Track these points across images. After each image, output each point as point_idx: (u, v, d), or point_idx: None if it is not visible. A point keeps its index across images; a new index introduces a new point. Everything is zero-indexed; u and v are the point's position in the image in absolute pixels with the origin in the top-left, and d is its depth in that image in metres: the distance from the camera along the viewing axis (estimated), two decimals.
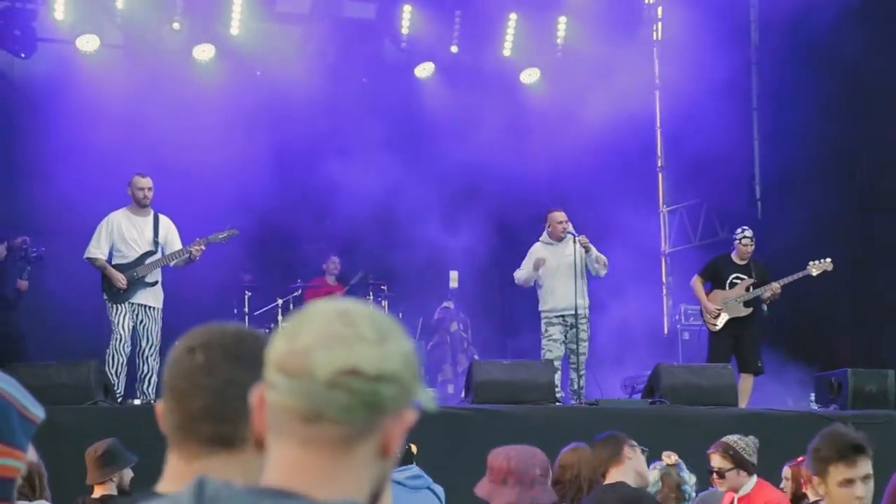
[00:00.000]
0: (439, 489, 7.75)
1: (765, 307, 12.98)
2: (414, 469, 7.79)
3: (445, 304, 14.66)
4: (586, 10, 16.47)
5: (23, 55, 14.46)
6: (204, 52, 15.17)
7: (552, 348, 12.44)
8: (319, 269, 14.91)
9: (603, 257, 12.46)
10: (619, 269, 15.36)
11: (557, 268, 12.47)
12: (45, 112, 14.57)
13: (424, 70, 16.13)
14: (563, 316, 12.46)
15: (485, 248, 15.67)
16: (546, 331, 12.47)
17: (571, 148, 15.73)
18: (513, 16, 16.29)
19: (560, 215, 12.53)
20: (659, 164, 17.83)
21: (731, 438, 7.60)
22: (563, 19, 16.57)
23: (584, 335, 12.37)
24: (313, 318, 1.75)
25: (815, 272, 12.85)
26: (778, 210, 15.96)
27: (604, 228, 15.52)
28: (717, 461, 7.51)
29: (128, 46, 15.09)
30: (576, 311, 12.37)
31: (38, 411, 2.60)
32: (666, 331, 16.88)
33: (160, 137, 14.46)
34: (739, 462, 7.48)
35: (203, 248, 11.59)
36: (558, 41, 16.57)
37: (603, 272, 12.54)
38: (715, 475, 7.50)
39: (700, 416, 11.33)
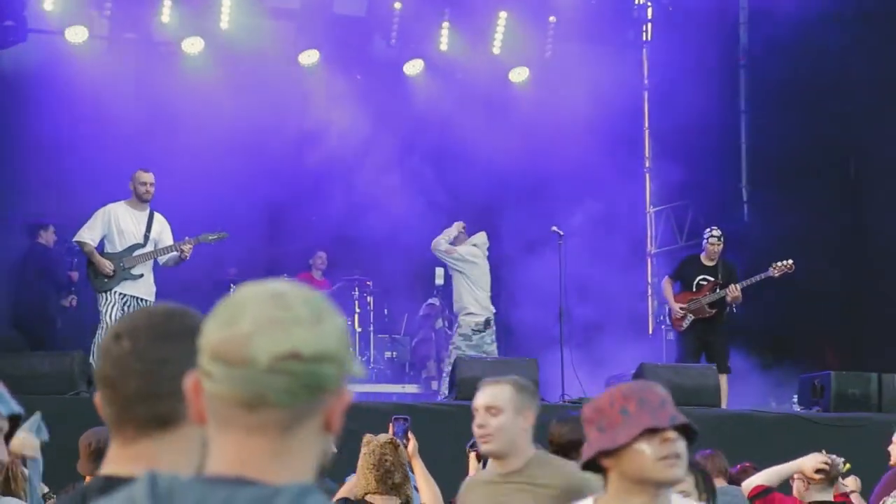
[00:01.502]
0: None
1: (732, 308, 13.00)
2: None
3: (431, 300, 14.67)
4: (576, 11, 16.48)
5: (7, 45, 14.42)
6: (193, 46, 15.15)
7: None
8: (306, 263, 14.91)
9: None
10: (604, 269, 15.41)
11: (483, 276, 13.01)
12: (33, 103, 14.53)
13: (414, 67, 16.13)
14: None
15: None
16: None
17: (559, 147, 15.74)
18: (503, 14, 16.29)
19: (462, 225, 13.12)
20: (646, 165, 17.85)
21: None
22: (552, 19, 16.57)
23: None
24: (247, 303, 1.73)
25: (776, 273, 12.88)
26: (765, 211, 15.99)
27: (590, 227, 15.56)
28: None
29: (116, 38, 15.06)
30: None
31: (3, 407, 2.59)
32: (650, 331, 16.91)
33: (148, 130, 14.44)
34: None
35: (191, 247, 11.59)
36: (548, 41, 16.57)
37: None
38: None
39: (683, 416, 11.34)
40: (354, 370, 1.79)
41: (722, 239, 13.00)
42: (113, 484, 2.16)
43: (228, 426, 1.73)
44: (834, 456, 6.80)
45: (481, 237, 13.16)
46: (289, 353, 1.70)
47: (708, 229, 13.22)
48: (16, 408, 2.67)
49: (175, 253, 11.55)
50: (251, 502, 1.67)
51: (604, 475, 3.34)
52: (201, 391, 1.76)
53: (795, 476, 7.17)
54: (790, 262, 12.83)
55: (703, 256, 13.10)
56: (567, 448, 5.89)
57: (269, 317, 1.71)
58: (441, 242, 13.00)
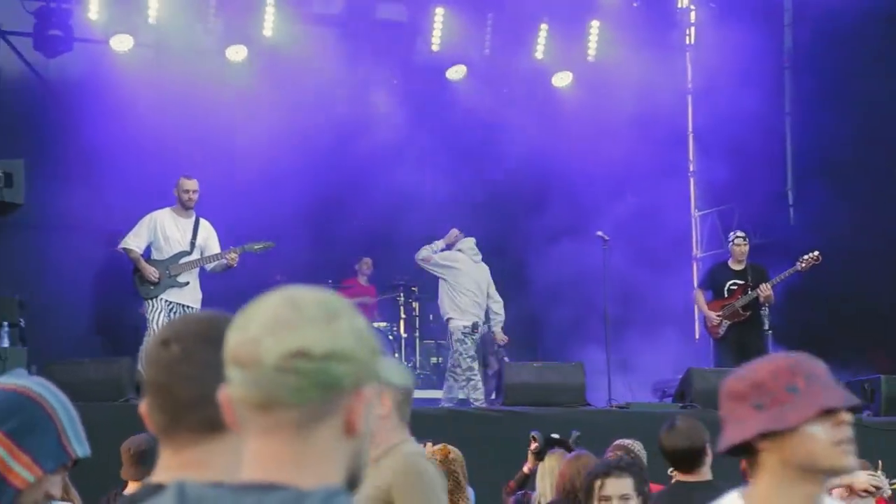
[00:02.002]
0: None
1: (764, 309, 12.96)
2: None
3: None
4: (619, 15, 16.43)
5: (55, 55, 14.53)
6: (237, 54, 15.20)
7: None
8: (352, 269, 14.92)
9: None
10: (650, 273, 15.35)
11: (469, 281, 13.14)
12: (79, 112, 14.63)
13: (457, 72, 16.12)
14: None
15: (514, 250, 15.65)
16: None
17: (603, 151, 15.69)
18: (545, 19, 16.25)
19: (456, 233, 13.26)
20: (691, 169, 17.77)
21: (627, 441, 7.40)
22: (595, 24, 16.54)
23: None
24: (260, 308, 1.76)
25: (803, 266, 12.84)
26: (811, 214, 15.87)
27: (636, 232, 15.51)
28: None
29: (161, 47, 15.13)
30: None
31: (79, 448, 2.60)
32: (697, 336, 16.81)
33: (193, 138, 14.51)
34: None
35: (237, 255, 11.64)
36: (590, 45, 16.53)
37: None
38: None
39: None
40: (385, 371, 1.79)
41: (747, 239, 13.04)
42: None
43: (249, 430, 1.76)
44: (883, 477, 6.74)
45: (468, 242, 13.27)
46: (296, 351, 1.71)
47: (731, 233, 13.32)
48: (87, 451, 2.67)
49: (222, 260, 11.60)
50: None
51: (750, 461, 2.86)
52: (229, 402, 1.78)
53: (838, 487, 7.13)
54: (816, 253, 12.81)
55: (730, 262, 13.15)
56: (681, 458, 5.86)
57: (277, 318, 1.74)
58: (420, 252, 13.16)
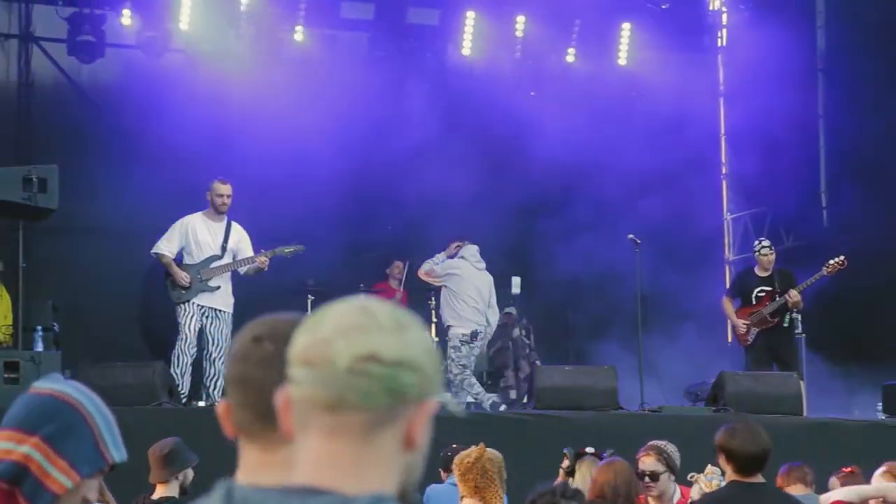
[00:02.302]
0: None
1: (795, 315, 12.90)
2: None
3: (507, 309, 14.62)
4: (650, 18, 16.40)
5: (89, 60, 14.63)
6: (268, 59, 15.23)
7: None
8: (383, 273, 14.94)
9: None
10: (681, 276, 15.30)
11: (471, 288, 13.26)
12: (112, 117, 14.72)
13: (487, 75, 16.11)
14: None
15: (544, 251, 15.65)
16: None
17: (635, 155, 15.66)
18: (577, 22, 16.24)
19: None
20: (723, 171, 17.71)
21: (660, 442, 7.35)
22: (626, 26, 16.51)
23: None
24: (332, 312, 1.78)
25: (828, 271, 12.83)
26: (844, 217, 15.80)
27: (668, 234, 15.47)
28: (650, 464, 7.12)
29: (193, 52, 15.19)
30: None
31: (116, 453, 2.62)
32: (729, 339, 16.75)
33: (225, 143, 14.56)
34: (671, 467, 7.23)
35: (268, 259, 11.68)
36: (621, 47, 16.50)
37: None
38: (647, 478, 7.06)
39: (764, 425, 11.20)
40: (444, 397, 1.80)
41: (773, 248, 13.08)
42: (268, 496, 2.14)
43: (310, 430, 1.76)
44: None
45: (470, 250, 13.40)
46: (368, 354, 1.73)
47: (757, 241, 13.32)
48: (124, 456, 2.68)
49: (254, 264, 11.64)
50: None
51: None
52: (290, 403, 1.79)
53: (830, 488, 7.16)
54: (842, 258, 12.82)
55: (756, 269, 13.14)
56: (752, 460, 5.84)
57: (350, 322, 1.76)
58: (423, 267, 13.38)
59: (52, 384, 2.63)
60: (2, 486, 2.51)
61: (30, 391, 2.61)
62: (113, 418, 2.65)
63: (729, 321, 13.62)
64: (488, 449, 6.48)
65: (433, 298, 14.73)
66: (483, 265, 13.32)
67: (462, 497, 6.38)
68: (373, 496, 1.71)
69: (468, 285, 13.07)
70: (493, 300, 13.36)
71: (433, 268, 13.22)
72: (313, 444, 1.76)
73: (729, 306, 13.26)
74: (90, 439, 2.58)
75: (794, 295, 12.73)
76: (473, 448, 6.49)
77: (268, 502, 1.72)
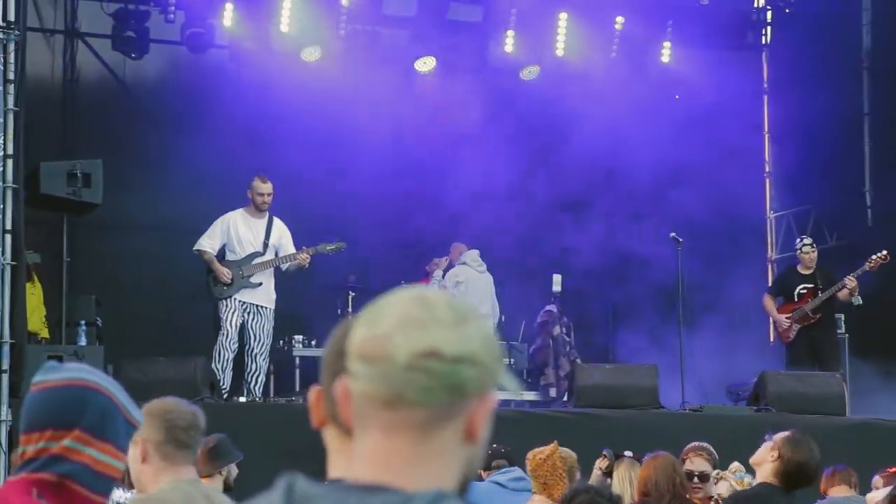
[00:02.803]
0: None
1: (856, 300, 12.88)
2: (516, 471, 7.79)
3: (548, 307, 14.60)
4: (693, 15, 16.31)
5: (133, 56, 14.71)
6: (311, 55, 15.27)
7: None
8: (423, 270, 14.94)
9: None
10: (723, 275, 15.23)
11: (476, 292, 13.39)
12: (156, 113, 14.80)
13: (530, 72, 16.09)
14: None
15: (584, 249, 15.61)
16: None
17: (677, 152, 15.59)
18: (619, 19, 16.17)
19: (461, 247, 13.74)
20: (766, 170, 17.60)
21: (705, 444, 7.26)
22: (669, 23, 16.43)
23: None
24: (390, 305, 1.76)
25: (871, 266, 12.82)
26: (889, 216, 15.66)
27: (709, 233, 15.40)
28: (700, 464, 7.06)
29: (236, 47, 15.24)
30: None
31: (139, 416, 2.67)
32: (772, 339, 16.65)
33: (267, 139, 14.62)
34: (716, 467, 7.18)
35: (309, 256, 11.71)
36: (664, 45, 16.43)
37: None
38: (697, 479, 6.98)
39: (806, 425, 11.14)
40: (503, 381, 1.78)
41: (815, 246, 13.07)
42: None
43: (369, 426, 1.75)
44: None
45: (472, 254, 13.61)
46: (428, 350, 1.71)
47: (798, 239, 13.34)
48: (142, 416, 2.73)
49: (295, 261, 11.67)
50: None
51: None
52: (349, 395, 1.77)
53: (874, 486, 7.08)
54: (884, 252, 12.85)
55: (799, 267, 13.15)
56: (810, 472, 5.83)
57: (409, 316, 1.74)
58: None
59: (61, 374, 2.65)
60: (49, 479, 2.54)
61: (39, 387, 2.63)
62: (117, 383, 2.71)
63: (771, 319, 13.60)
64: (562, 448, 6.52)
65: None
66: (484, 268, 13.63)
67: (533, 493, 6.45)
68: (433, 493, 1.69)
69: (473, 291, 13.21)
70: (495, 300, 13.74)
71: (441, 286, 13.37)
72: (371, 440, 1.74)
73: (771, 303, 13.30)
74: (119, 414, 2.62)
75: (851, 280, 12.71)
76: (547, 446, 6.56)
77: (327, 498, 1.70)
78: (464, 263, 13.42)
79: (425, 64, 15.74)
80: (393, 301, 1.76)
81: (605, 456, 7.69)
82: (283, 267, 11.83)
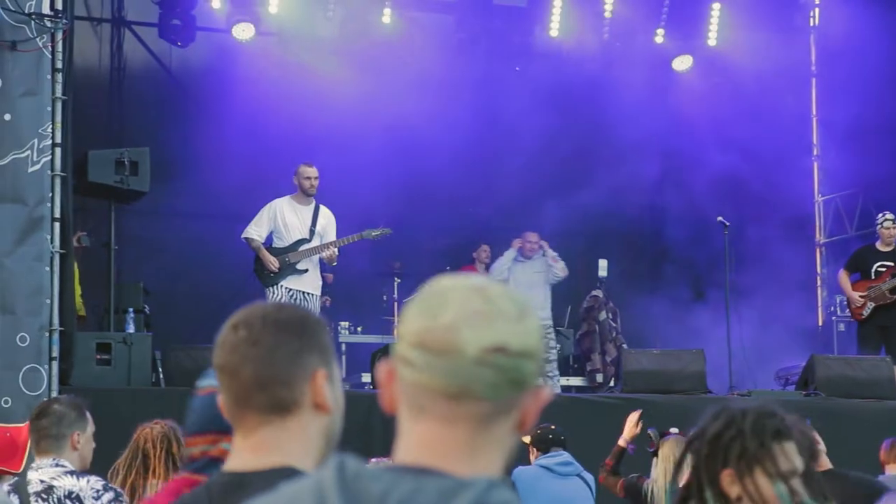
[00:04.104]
0: (589, 477, 7.72)
1: None
2: (564, 455, 7.78)
3: (594, 292, 14.58)
4: None
5: (179, 44, 14.77)
6: (355, 42, 15.27)
7: None
8: (469, 257, 14.94)
9: (560, 264, 13.65)
10: (772, 259, 15.14)
11: (528, 283, 13.36)
12: (202, 100, 14.85)
13: (576, 58, 16.02)
14: None
15: (632, 234, 15.56)
16: None
17: (725, 135, 15.51)
18: (667, 2, 16.07)
19: (533, 236, 13.71)
20: (814, 153, 17.47)
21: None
22: (716, 6, 16.32)
23: (552, 343, 13.23)
24: (450, 294, 1.74)
25: None
26: None
27: (757, 218, 15.31)
28: None
29: (282, 35, 15.28)
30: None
31: None
32: (821, 322, 16.56)
33: (313, 126, 14.64)
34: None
35: (335, 252, 11.68)
36: (711, 28, 16.32)
37: (561, 275, 13.69)
38: None
39: (856, 409, 11.10)
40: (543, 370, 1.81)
41: None
42: (236, 480, 2.19)
43: (424, 415, 1.74)
44: None
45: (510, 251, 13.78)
46: (496, 346, 1.71)
47: (881, 214, 13.01)
48: None
49: (326, 252, 11.65)
50: (438, 494, 1.67)
51: None
52: (394, 378, 1.77)
53: None
54: None
55: (878, 244, 12.89)
56: None
57: (474, 309, 1.73)
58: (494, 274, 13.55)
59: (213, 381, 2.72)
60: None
61: (204, 391, 2.69)
62: None
63: (841, 297, 13.39)
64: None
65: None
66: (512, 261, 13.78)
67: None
68: (486, 480, 1.69)
69: (516, 283, 13.38)
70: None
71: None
72: (426, 428, 1.74)
73: (845, 279, 13.02)
74: None
75: None
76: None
77: (381, 479, 1.70)
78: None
79: (472, 49, 15.72)
80: (450, 290, 1.75)
81: (651, 436, 7.67)
82: (325, 256, 11.83)
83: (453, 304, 1.73)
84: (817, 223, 17.45)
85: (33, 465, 5.14)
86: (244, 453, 2.23)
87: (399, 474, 1.71)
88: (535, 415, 1.77)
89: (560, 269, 13.61)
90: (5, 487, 5.17)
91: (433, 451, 1.73)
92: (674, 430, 7.54)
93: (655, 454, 7.53)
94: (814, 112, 17.47)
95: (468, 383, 1.71)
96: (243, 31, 14.86)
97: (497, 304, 1.73)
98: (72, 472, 5.05)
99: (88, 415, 5.27)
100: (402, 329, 1.76)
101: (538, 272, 13.59)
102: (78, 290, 11.64)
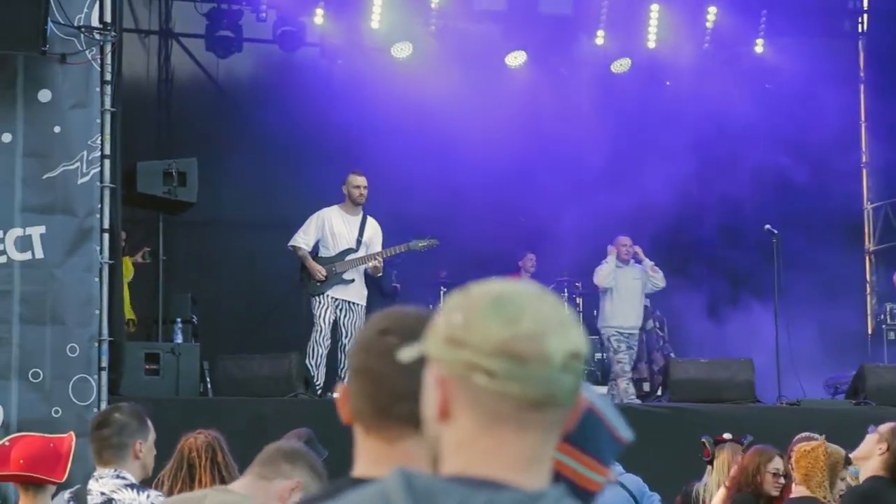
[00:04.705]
0: (631, 479, 7.69)
1: None
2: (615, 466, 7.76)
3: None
4: (789, 3, 16.11)
5: (226, 55, 14.85)
6: (402, 51, 15.31)
7: (623, 360, 12.96)
8: (515, 265, 14.92)
9: (660, 274, 13.38)
10: (821, 266, 15.02)
11: (630, 289, 13.22)
12: (249, 111, 14.92)
13: (621, 65, 15.99)
14: (628, 334, 13.14)
15: (679, 243, 15.49)
16: (618, 346, 13.05)
17: (772, 142, 15.43)
18: (712, 10, 15.99)
19: (626, 240, 13.41)
20: (863, 159, 17.34)
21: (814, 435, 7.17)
22: (763, 12, 16.24)
23: (633, 351, 13.23)
24: (522, 301, 1.73)
25: None
26: None
27: (806, 225, 15.20)
28: (778, 462, 6.96)
29: (328, 45, 15.33)
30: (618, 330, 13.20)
31: (626, 434, 2.65)
32: (871, 331, 16.41)
33: (360, 136, 14.68)
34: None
35: (380, 264, 11.70)
36: (759, 34, 16.23)
37: (661, 285, 13.42)
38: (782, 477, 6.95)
39: None
40: None
41: None
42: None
43: (499, 425, 1.72)
44: None
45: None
46: (575, 351, 1.73)
47: None
48: (631, 435, 2.71)
49: (368, 264, 11.66)
50: None
51: None
52: (451, 387, 1.74)
53: None
54: None
55: None
56: None
57: (551, 316, 1.73)
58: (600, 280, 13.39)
59: None
60: None
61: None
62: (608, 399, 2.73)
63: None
64: (829, 444, 6.48)
65: (566, 290, 14.67)
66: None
67: (795, 483, 6.39)
68: (556, 492, 1.69)
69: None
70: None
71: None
72: (496, 437, 1.72)
73: None
74: (605, 429, 2.63)
75: None
76: (818, 440, 6.53)
77: (452, 494, 1.67)
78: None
79: (516, 59, 15.72)
80: (519, 297, 1.74)
81: (706, 444, 7.62)
82: (369, 267, 11.85)
83: (529, 312, 1.72)
84: (866, 230, 17.32)
85: (94, 474, 5.14)
86: (387, 462, 2.17)
87: (472, 487, 1.68)
88: (574, 421, 1.78)
89: (660, 280, 13.34)
90: (66, 495, 5.19)
91: (501, 462, 1.71)
92: (727, 435, 7.50)
93: (710, 462, 7.49)
94: (862, 118, 17.35)
95: (554, 390, 1.71)
96: (290, 43, 14.90)
97: (562, 311, 1.75)
98: (132, 486, 5.05)
99: (149, 423, 5.26)
100: (478, 338, 1.72)
101: (636, 279, 13.32)
102: (127, 300, 11.74)
